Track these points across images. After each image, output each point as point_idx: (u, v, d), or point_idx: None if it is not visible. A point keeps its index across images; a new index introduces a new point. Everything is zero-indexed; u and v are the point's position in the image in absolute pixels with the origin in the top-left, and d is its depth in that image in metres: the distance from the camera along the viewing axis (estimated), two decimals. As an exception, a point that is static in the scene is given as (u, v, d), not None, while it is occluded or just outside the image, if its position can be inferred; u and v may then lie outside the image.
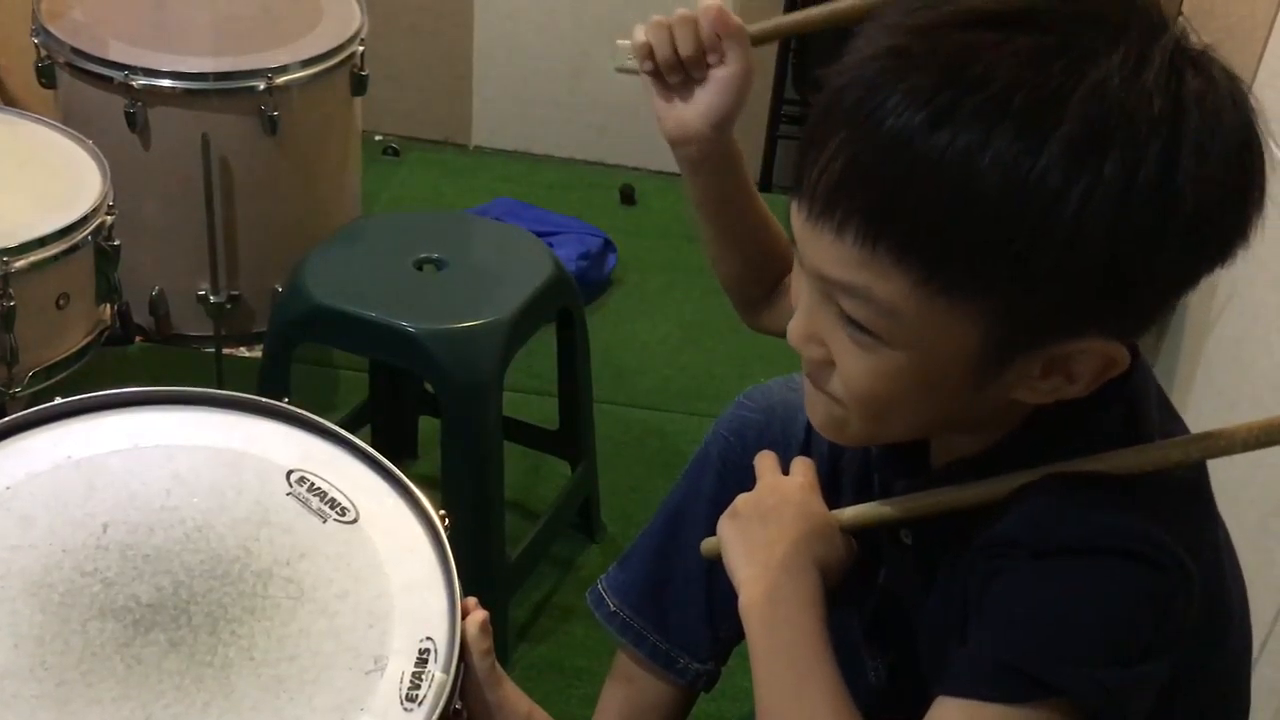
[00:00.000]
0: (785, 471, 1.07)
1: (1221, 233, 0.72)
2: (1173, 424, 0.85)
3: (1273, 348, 1.58)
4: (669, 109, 1.00)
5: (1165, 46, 0.69)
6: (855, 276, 0.73)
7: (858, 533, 0.92)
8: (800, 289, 0.80)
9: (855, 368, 0.77)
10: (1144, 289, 0.73)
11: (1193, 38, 0.71)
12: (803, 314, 0.79)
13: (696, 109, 0.98)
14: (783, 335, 0.99)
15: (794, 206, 0.76)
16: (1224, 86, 0.71)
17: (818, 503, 0.91)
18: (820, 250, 0.74)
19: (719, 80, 0.97)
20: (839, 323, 0.76)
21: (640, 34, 0.98)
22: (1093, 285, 0.70)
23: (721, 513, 1.08)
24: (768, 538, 0.88)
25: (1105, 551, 0.76)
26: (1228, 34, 0.71)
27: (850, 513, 0.91)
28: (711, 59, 0.97)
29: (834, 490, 1.00)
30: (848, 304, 0.74)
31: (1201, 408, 1.77)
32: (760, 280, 1.09)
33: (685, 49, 0.96)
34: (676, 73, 0.98)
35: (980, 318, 0.72)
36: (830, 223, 0.72)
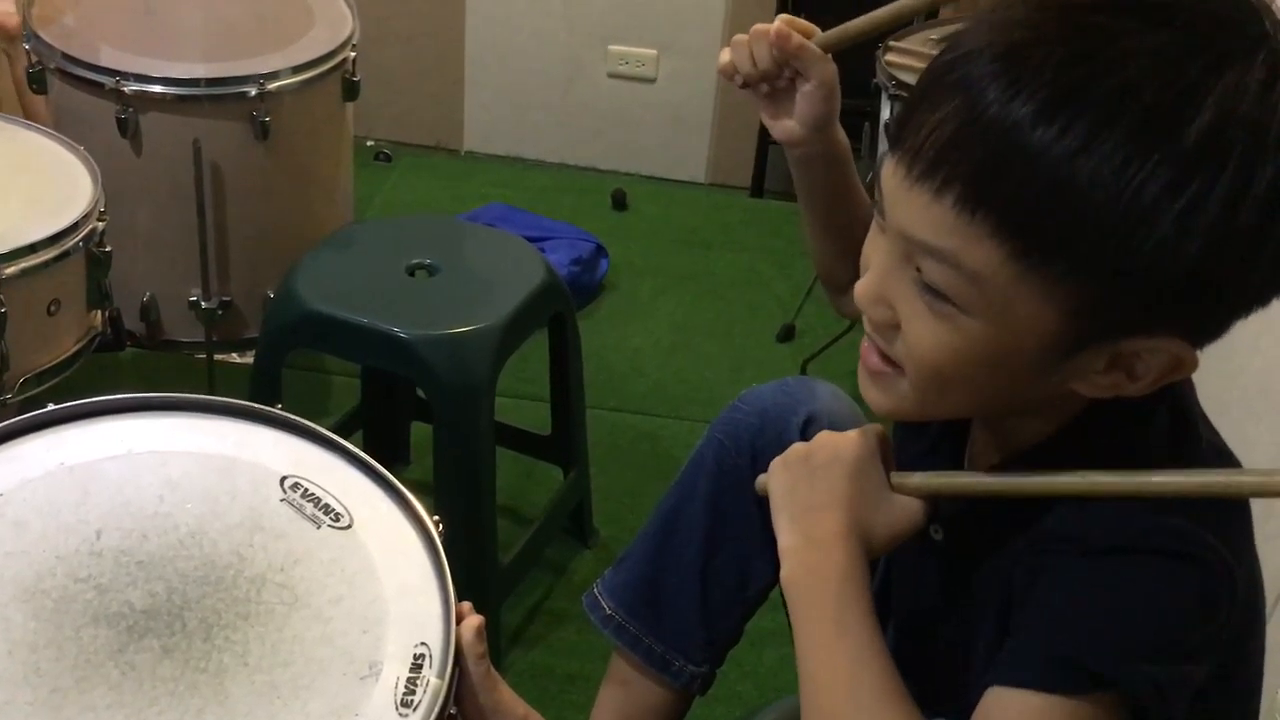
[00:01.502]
0: None
1: None
2: (1211, 432, 0.85)
3: (1263, 350, 1.59)
4: (771, 116, 1.04)
5: None
6: (946, 241, 0.72)
7: None
8: (876, 249, 0.79)
9: (925, 335, 0.77)
10: (1228, 300, 0.73)
11: None
12: (875, 275, 0.79)
13: (795, 116, 1.03)
14: (857, 318, 0.99)
15: (890, 164, 0.75)
16: None
17: (871, 464, 0.87)
18: (914, 211, 0.74)
19: (804, 93, 1.01)
20: (915, 288, 0.76)
21: (725, 54, 1.03)
22: (1182, 289, 0.70)
23: (716, 516, 1.08)
24: (812, 501, 0.86)
25: (1156, 551, 0.76)
26: None
27: (919, 478, 0.87)
28: (789, 71, 1.01)
29: None
30: (931, 268, 0.74)
31: (1192, 411, 1.78)
32: (847, 266, 1.10)
33: (762, 64, 1.00)
34: (764, 84, 1.03)
35: (1064, 302, 0.72)
36: (930, 184, 0.72)
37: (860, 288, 0.80)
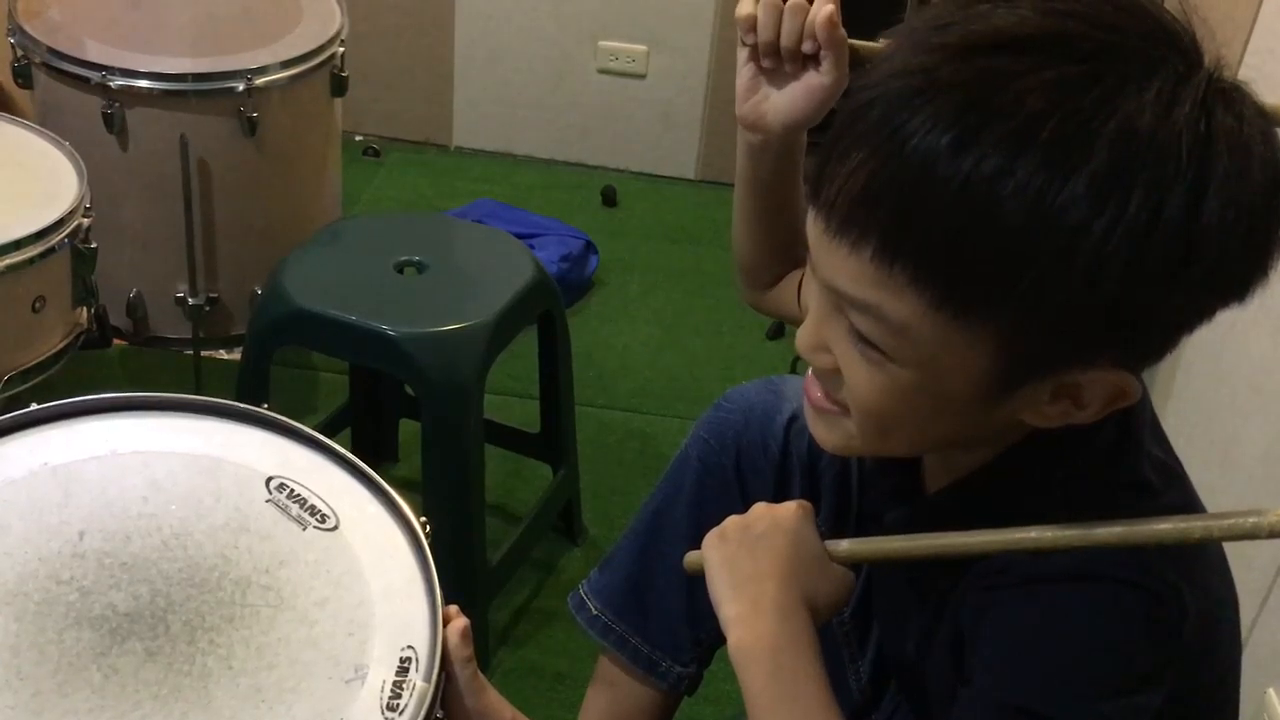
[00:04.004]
0: (764, 473, 1.07)
1: (1242, 272, 0.71)
2: (1162, 451, 0.84)
3: (1250, 353, 1.59)
4: (749, 90, 0.96)
5: (1198, 83, 0.68)
6: (869, 294, 0.72)
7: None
8: (811, 296, 0.79)
9: (861, 382, 0.76)
10: (1159, 324, 0.72)
11: (1226, 73, 0.70)
12: (812, 322, 0.79)
13: (775, 102, 0.95)
14: (775, 316, 0.94)
15: (810, 216, 0.75)
16: (1254, 125, 0.70)
17: (810, 533, 0.87)
18: (835, 264, 0.73)
19: (807, 84, 0.94)
20: (848, 336, 0.76)
21: (747, 5, 0.93)
22: (1108, 319, 0.69)
23: (701, 514, 1.08)
24: (756, 571, 0.85)
25: (1099, 578, 0.75)
26: (1208, 33, 0.71)
27: (847, 545, 0.88)
28: (807, 46, 0.92)
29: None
30: (858, 319, 0.74)
31: (1181, 412, 1.78)
32: (776, 266, 1.07)
33: (788, 39, 0.92)
34: (771, 58, 0.94)
35: (992, 343, 0.71)
36: (847, 238, 0.71)
37: (800, 335, 0.80)
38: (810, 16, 0.91)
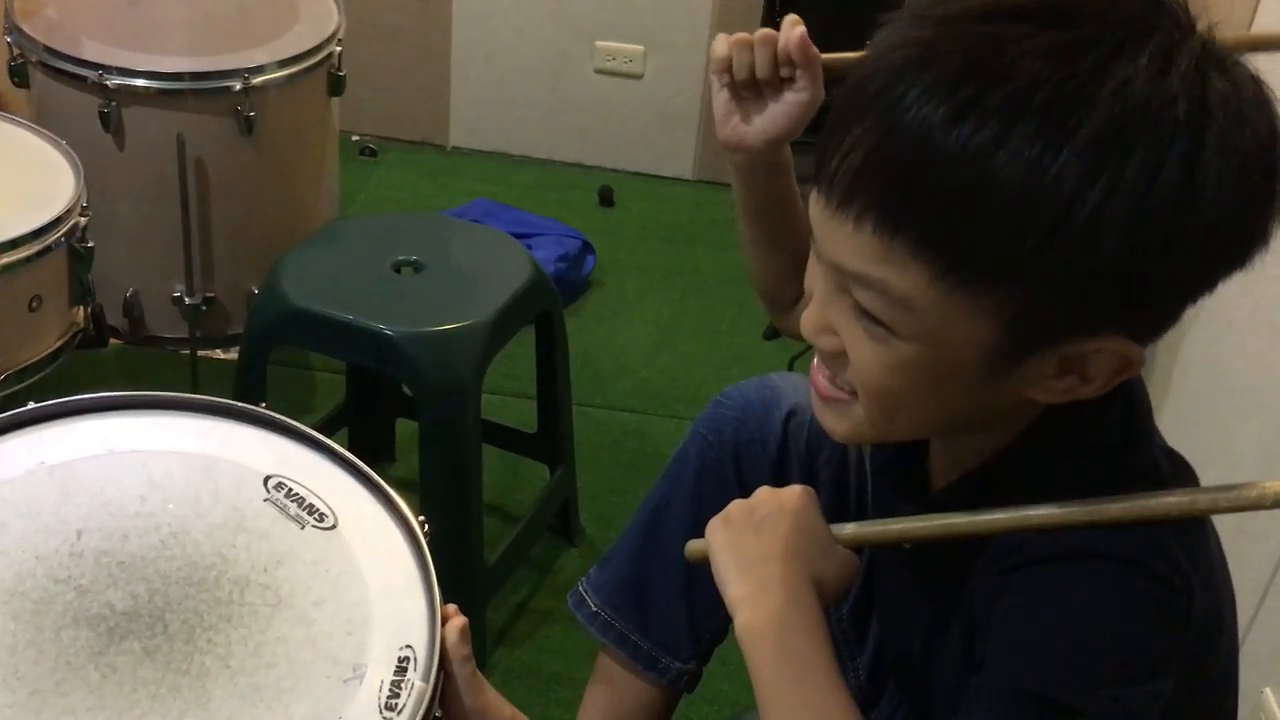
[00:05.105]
0: (762, 468, 1.07)
1: (1241, 237, 0.72)
2: (1158, 434, 0.84)
3: (1246, 350, 1.59)
4: (729, 116, 1.00)
5: (1192, 48, 0.69)
6: (872, 269, 0.72)
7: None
8: (816, 279, 0.79)
9: (868, 360, 0.76)
10: (1161, 291, 0.72)
11: (1219, 40, 0.71)
12: (817, 305, 0.79)
13: (756, 124, 0.99)
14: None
15: (813, 195, 0.75)
16: (1249, 91, 0.70)
17: (815, 515, 0.87)
18: (838, 241, 0.74)
19: (785, 103, 0.97)
20: (853, 315, 0.76)
21: (722, 47, 0.98)
22: (1109, 286, 0.70)
23: (700, 511, 1.08)
24: (761, 551, 0.85)
25: (1110, 557, 0.75)
26: (1201, 9, 0.72)
27: (852, 529, 0.88)
28: (784, 72, 0.97)
29: None
30: (863, 296, 0.74)
31: (1179, 408, 1.78)
32: (794, 282, 1.08)
33: (762, 71, 0.96)
34: (748, 89, 0.99)
35: (995, 314, 0.72)
36: (849, 213, 0.72)
37: (805, 319, 0.80)
38: (782, 42, 0.95)
